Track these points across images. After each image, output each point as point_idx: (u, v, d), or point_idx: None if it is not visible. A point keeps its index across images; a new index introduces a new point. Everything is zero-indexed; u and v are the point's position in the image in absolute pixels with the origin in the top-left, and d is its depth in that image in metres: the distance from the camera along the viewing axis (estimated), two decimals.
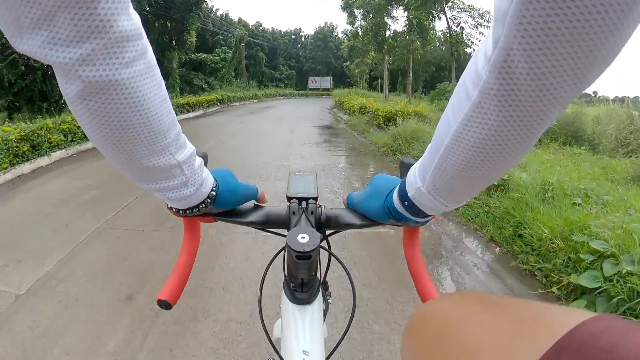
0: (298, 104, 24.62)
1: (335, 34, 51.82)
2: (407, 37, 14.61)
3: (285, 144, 7.74)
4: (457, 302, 0.32)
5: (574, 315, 0.20)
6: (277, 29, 51.02)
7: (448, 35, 12.70)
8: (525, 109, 0.28)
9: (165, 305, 0.49)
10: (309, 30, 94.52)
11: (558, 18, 0.22)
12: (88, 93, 0.30)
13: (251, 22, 44.94)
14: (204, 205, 0.46)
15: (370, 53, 23.03)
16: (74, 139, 7.19)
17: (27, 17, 0.26)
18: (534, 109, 0.28)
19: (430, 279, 0.54)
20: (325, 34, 49.85)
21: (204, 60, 28.68)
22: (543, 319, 0.22)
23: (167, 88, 0.43)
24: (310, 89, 45.77)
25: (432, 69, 44.55)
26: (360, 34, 18.37)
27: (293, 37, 53.26)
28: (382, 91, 29.16)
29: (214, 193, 0.47)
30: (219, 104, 19.48)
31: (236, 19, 39.77)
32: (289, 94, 37.23)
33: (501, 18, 0.25)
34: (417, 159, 0.43)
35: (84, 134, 7.39)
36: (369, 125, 9.20)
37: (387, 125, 8.02)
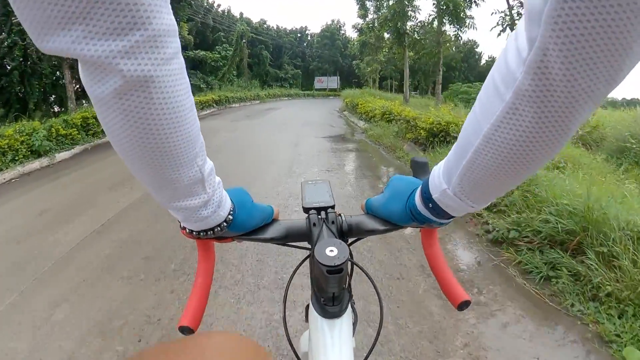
0: (304, 105, 22.42)
1: (343, 32, 49.71)
2: (439, 25, 12.14)
3: (284, 171, 5.20)
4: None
5: None
6: (282, 27, 49.00)
7: (508, 18, 10.18)
8: (560, 109, 0.27)
9: (187, 330, 0.48)
10: (315, 28, 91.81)
11: (593, 17, 0.22)
12: (127, 89, 0.28)
13: (255, 20, 42.74)
14: (219, 229, 0.45)
15: (383, 50, 20.67)
16: (16, 158, 5.58)
17: (59, 13, 0.25)
18: (568, 109, 0.27)
19: (456, 280, 0.52)
20: (332, 32, 47.69)
21: (203, 58, 26.64)
22: None
23: None
24: (316, 89, 44.03)
25: (442, 69, 42.42)
26: (376, 24, 15.96)
27: (299, 35, 51.24)
28: (392, 91, 27.02)
29: (230, 217, 0.45)
30: (215, 105, 17.38)
31: (238, 15, 37.61)
32: (294, 95, 35.12)
33: (536, 17, 0.25)
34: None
35: (30, 150, 5.75)
36: (400, 140, 6.92)
37: (432, 143, 5.70)
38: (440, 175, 0.40)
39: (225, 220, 0.45)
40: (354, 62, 33.09)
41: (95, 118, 8.02)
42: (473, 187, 0.37)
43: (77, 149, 7.15)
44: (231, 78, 27.67)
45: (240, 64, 29.88)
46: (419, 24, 13.30)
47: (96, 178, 5.05)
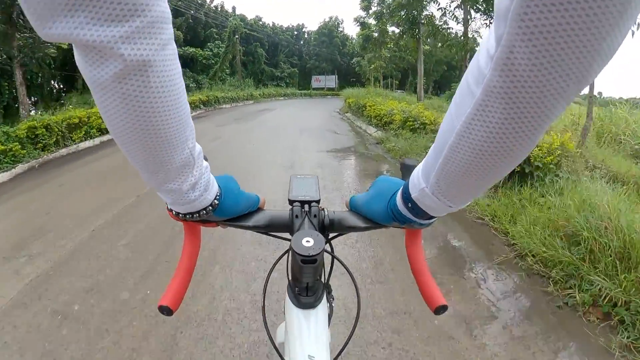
0: (301, 105, 20.65)
1: (341, 29, 47.91)
2: (466, 12, 10.10)
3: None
4: None
5: None
6: (278, 24, 47.06)
7: None
8: (529, 105, 0.27)
9: (166, 311, 0.48)
10: (312, 26, 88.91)
11: (559, 14, 0.22)
12: (126, 73, 0.30)
13: (250, 16, 40.91)
14: (204, 212, 0.46)
15: (388, 45, 18.81)
16: None
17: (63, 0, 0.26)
18: (538, 106, 0.27)
19: (435, 284, 0.53)
20: (330, 29, 45.92)
21: (194, 56, 24.80)
22: None
23: None
24: (313, 89, 42.46)
25: (442, 68, 41.51)
26: (385, 13, 14.05)
27: (295, 33, 49.43)
28: (392, 90, 25.23)
29: (216, 202, 0.46)
30: (202, 106, 15.60)
31: (231, 9, 35.59)
32: (291, 94, 33.31)
33: (503, 15, 0.25)
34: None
35: None
36: None
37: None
38: (420, 174, 0.41)
39: (211, 205, 0.45)
40: (354, 59, 31.16)
41: (46, 127, 6.53)
42: (449, 186, 0.37)
43: (20, 167, 5.58)
44: (223, 77, 25.84)
45: (233, 62, 28.00)
46: (439, 10, 11.38)
47: (14, 221, 3.44)
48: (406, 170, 0.49)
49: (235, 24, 26.88)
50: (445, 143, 0.35)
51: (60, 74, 14.33)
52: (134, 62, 0.29)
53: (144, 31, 0.28)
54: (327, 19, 47.58)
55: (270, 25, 45.23)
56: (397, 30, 14.52)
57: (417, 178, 0.41)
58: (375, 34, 17.98)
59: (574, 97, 0.28)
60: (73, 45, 0.29)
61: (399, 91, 27.99)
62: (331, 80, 44.88)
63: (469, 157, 0.33)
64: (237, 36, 27.24)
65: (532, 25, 0.23)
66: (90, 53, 0.29)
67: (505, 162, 0.32)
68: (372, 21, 16.93)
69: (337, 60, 45.57)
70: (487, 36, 0.29)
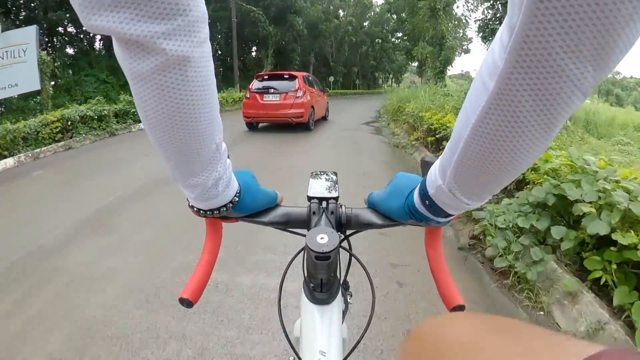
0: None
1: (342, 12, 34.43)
2: None
3: None
4: (460, 324, 0.32)
5: (585, 348, 0.21)
6: None
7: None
8: (544, 97, 0.27)
9: (186, 303, 0.49)
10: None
11: (576, 2, 0.22)
12: (166, 67, 0.31)
13: None
14: (224, 209, 0.47)
15: None
16: None
17: None
18: (553, 97, 0.27)
19: (454, 283, 0.53)
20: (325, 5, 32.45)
21: None
22: (554, 350, 0.23)
23: None
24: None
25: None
26: None
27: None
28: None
29: (236, 198, 0.47)
30: None
31: None
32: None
33: (517, 3, 0.25)
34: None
35: None
36: None
37: None
38: (437, 171, 0.41)
39: (231, 201, 0.46)
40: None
41: None
42: (465, 182, 0.38)
43: None
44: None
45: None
46: None
47: None
48: (425, 167, 0.48)
49: None
50: (460, 139, 0.34)
51: None
52: (175, 57, 0.30)
53: (185, 29, 0.30)
54: None
55: None
56: None
57: (434, 175, 0.41)
58: None
59: (592, 89, 0.26)
60: (114, 38, 0.30)
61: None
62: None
63: (484, 152, 0.32)
64: None
65: (548, 13, 0.22)
66: (132, 46, 0.30)
67: (521, 155, 0.32)
68: None
69: (327, 51, 32.27)
70: (501, 28, 0.28)
